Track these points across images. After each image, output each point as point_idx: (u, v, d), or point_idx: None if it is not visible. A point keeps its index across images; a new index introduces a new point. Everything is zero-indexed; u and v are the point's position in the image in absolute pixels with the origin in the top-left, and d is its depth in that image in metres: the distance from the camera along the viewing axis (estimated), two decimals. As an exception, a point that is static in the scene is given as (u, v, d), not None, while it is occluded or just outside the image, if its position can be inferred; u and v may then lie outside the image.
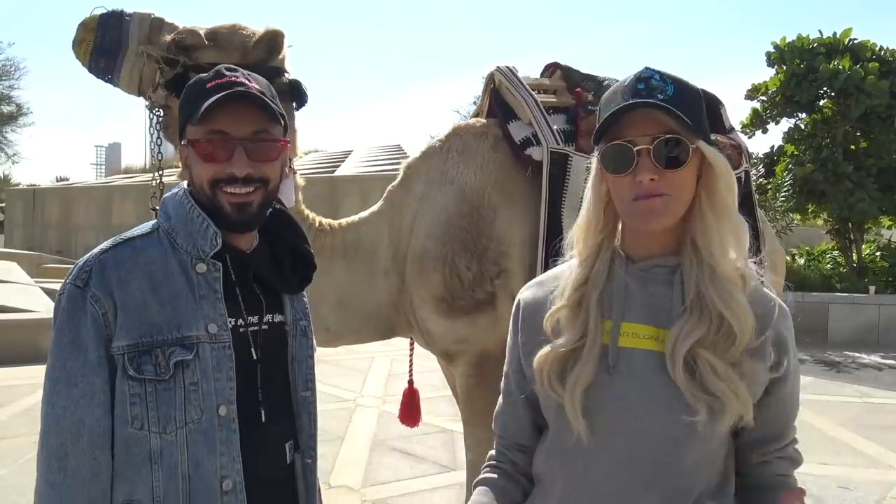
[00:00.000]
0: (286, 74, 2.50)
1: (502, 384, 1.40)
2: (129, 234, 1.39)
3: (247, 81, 1.35)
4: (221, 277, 1.37)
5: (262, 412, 1.40)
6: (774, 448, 1.27)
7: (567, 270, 1.30)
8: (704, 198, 1.20)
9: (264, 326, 1.43)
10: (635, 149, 1.17)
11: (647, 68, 1.20)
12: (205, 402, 1.31)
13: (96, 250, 1.36)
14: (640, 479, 1.19)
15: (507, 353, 1.40)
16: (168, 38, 2.45)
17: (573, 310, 1.24)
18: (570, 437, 1.22)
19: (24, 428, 5.24)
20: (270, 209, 1.45)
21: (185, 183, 1.44)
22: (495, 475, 1.35)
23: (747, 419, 1.17)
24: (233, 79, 1.34)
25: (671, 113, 1.15)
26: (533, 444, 1.35)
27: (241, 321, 1.39)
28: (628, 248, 1.27)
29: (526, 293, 1.40)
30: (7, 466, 4.46)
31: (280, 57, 2.50)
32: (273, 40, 2.46)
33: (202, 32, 2.46)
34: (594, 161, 1.26)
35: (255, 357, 1.40)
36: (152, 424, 1.29)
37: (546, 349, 1.24)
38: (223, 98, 1.30)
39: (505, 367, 1.40)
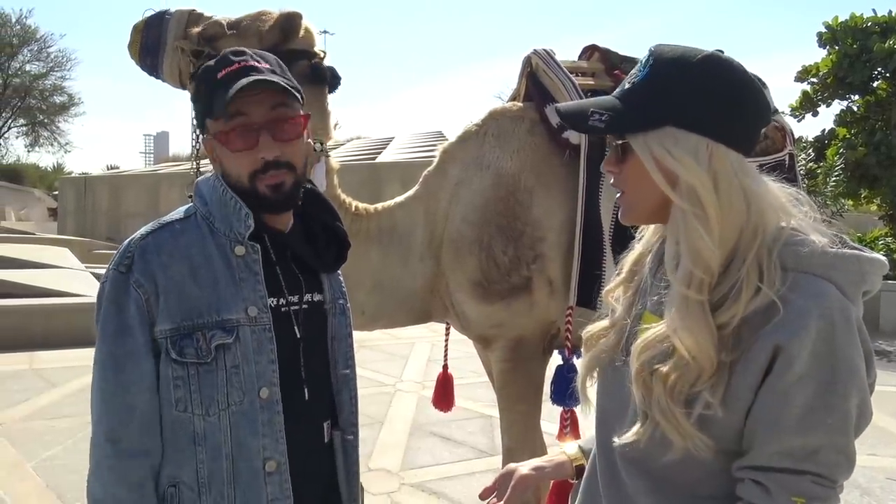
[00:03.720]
0: (315, 58, 2.51)
1: None
2: (167, 218, 1.41)
3: (257, 63, 1.35)
4: (261, 259, 1.38)
5: (306, 390, 1.42)
6: (746, 466, 1.03)
7: None
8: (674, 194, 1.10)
9: (305, 306, 1.45)
10: (616, 143, 1.14)
11: (650, 49, 1.12)
12: (246, 384, 1.33)
13: (136, 235, 1.37)
14: (610, 469, 1.17)
15: None
16: (196, 30, 2.52)
17: (616, 290, 1.24)
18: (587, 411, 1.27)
19: (76, 408, 5.41)
20: (303, 190, 1.46)
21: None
22: None
23: (699, 455, 1.03)
24: (243, 63, 1.34)
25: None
26: None
27: (282, 301, 1.41)
28: None
29: None
30: (61, 444, 4.62)
31: (299, 38, 2.51)
32: (287, 22, 2.47)
33: (224, 22, 2.52)
34: None
35: (297, 336, 1.41)
36: (195, 407, 1.31)
37: (590, 326, 1.26)
38: (246, 87, 1.29)
39: None
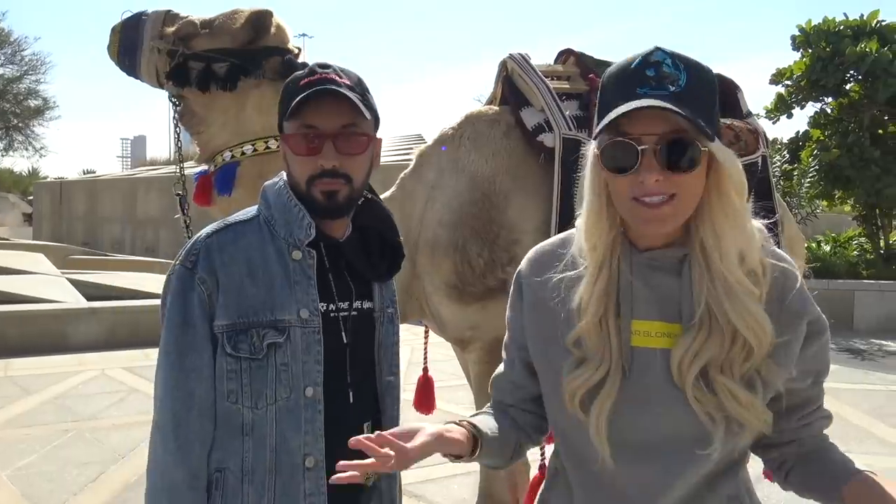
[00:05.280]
0: (289, 55, 2.52)
1: (503, 354, 1.37)
2: (232, 218, 1.50)
3: (337, 78, 1.42)
4: (315, 265, 1.46)
5: (351, 394, 1.49)
6: (814, 408, 1.24)
7: (576, 248, 1.22)
8: (715, 199, 1.11)
9: (354, 312, 1.52)
10: (640, 148, 1.07)
11: (657, 49, 1.10)
12: (293, 382, 1.41)
13: (203, 234, 1.46)
14: (658, 478, 1.16)
15: (507, 324, 1.36)
16: (170, 30, 2.53)
17: (597, 327, 1.16)
18: (591, 450, 1.17)
19: (51, 416, 5.35)
20: (362, 200, 1.55)
21: (284, 173, 1.52)
22: (487, 411, 1.36)
23: (767, 432, 1.17)
24: (324, 76, 1.42)
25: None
26: (528, 407, 1.34)
27: (332, 306, 1.48)
28: (632, 236, 1.18)
29: (525, 267, 1.33)
30: (36, 452, 4.56)
31: (272, 35, 2.52)
32: (259, 20, 2.50)
33: (198, 21, 2.54)
34: (591, 149, 1.16)
35: (345, 341, 1.49)
36: (245, 399, 1.40)
37: (575, 378, 1.16)
38: (312, 95, 1.38)
39: (505, 339, 1.36)
